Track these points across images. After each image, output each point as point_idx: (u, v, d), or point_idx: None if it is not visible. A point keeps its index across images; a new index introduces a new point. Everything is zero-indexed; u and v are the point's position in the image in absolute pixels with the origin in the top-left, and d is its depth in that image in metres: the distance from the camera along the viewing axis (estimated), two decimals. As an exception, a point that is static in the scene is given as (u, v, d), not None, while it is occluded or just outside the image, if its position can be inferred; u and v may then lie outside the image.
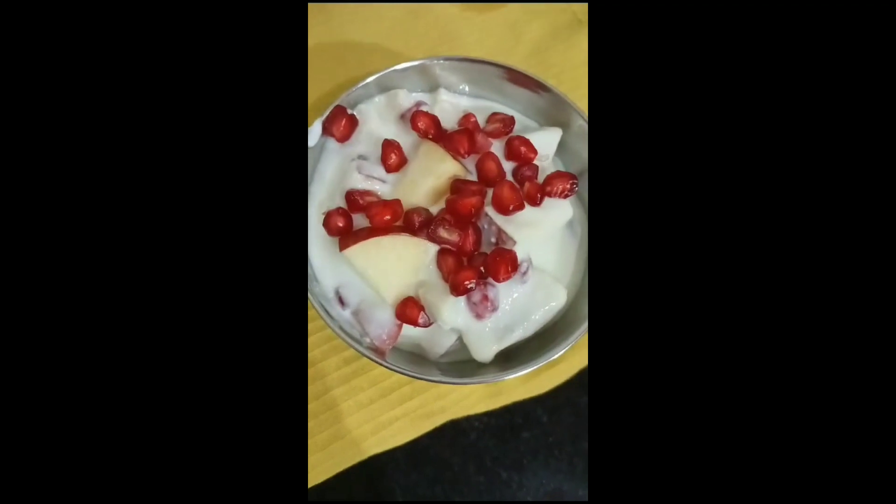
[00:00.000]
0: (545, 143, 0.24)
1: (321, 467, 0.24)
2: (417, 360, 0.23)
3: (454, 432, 0.26)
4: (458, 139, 0.23)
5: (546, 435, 0.27)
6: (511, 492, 0.26)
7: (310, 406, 0.24)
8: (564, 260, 0.24)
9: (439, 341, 0.23)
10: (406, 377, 0.25)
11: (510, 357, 0.23)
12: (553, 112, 0.25)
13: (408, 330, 0.23)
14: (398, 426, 0.25)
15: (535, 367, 0.21)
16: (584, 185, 0.25)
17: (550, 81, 0.24)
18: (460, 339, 0.23)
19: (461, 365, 0.23)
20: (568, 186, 0.23)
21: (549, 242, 0.23)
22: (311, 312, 0.25)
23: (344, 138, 0.23)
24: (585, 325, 0.22)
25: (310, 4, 0.30)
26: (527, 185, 0.23)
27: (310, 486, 0.24)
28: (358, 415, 0.24)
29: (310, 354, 0.25)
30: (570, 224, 0.24)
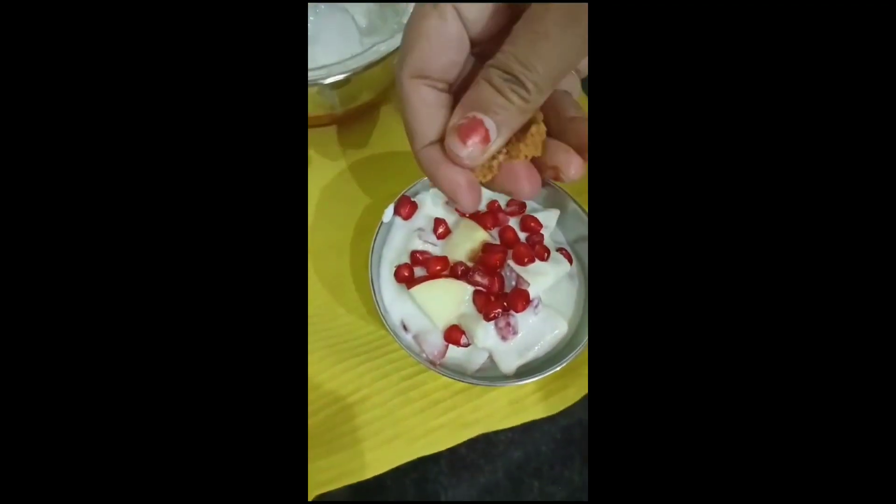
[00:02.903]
0: (548, 218, 0.34)
1: (384, 460, 0.30)
2: (459, 375, 0.31)
3: (485, 443, 0.33)
4: (486, 217, 0.33)
5: (559, 449, 0.33)
6: (532, 493, 0.32)
7: (374, 411, 0.31)
8: (566, 300, 0.32)
9: (475, 359, 0.31)
10: (449, 391, 0.32)
11: (528, 373, 0.30)
12: (553, 198, 0.35)
13: (452, 351, 0.31)
14: (442, 432, 0.31)
15: (547, 374, 0.29)
16: (580, 248, 0.34)
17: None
18: (490, 358, 0.31)
19: (491, 378, 0.30)
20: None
21: (554, 288, 0.32)
22: (381, 340, 0.34)
23: (408, 217, 0.34)
24: (581, 347, 0.29)
25: (373, 138, 0.42)
26: (537, 247, 0.32)
27: (370, 476, 0.30)
28: (412, 420, 0.31)
29: (376, 373, 0.32)
30: (569, 275, 0.33)
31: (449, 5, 0.18)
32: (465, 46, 0.20)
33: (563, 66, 0.18)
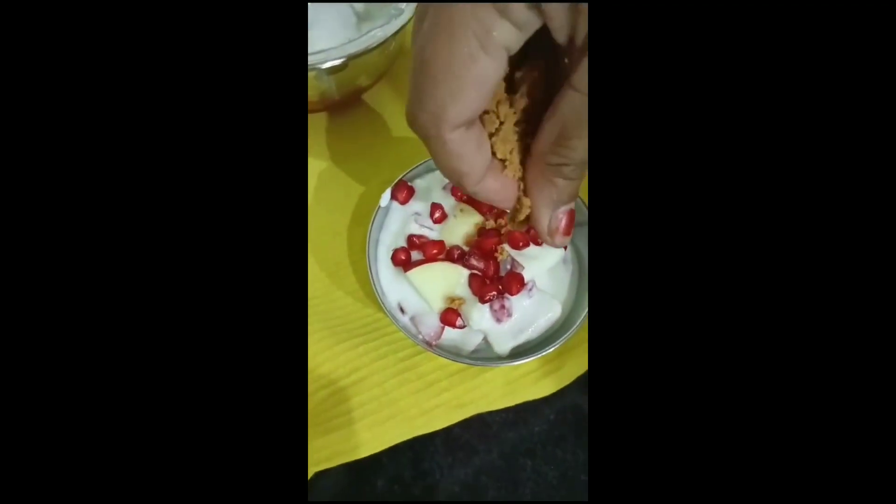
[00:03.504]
0: (543, 204, 0.34)
1: (380, 439, 0.31)
2: (455, 356, 0.31)
3: (480, 423, 0.33)
4: (482, 202, 0.33)
5: (552, 429, 0.34)
6: (526, 473, 0.32)
7: (371, 391, 0.32)
8: (560, 284, 0.33)
9: (470, 340, 0.31)
10: (445, 373, 0.33)
11: (522, 354, 0.31)
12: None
13: (448, 333, 0.31)
14: (438, 412, 0.32)
15: (541, 355, 0.29)
16: (575, 233, 0.35)
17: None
18: (485, 340, 0.31)
19: (486, 359, 0.31)
20: (560, 233, 0.33)
21: (548, 272, 0.32)
22: (378, 323, 0.34)
23: (405, 201, 0.34)
24: (575, 328, 0.30)
25: (370, 122, 0.42)
26: (531, 231, 0.33)
27: (367, 454, 0.31)
28: (408, 400, 0.32)
29: (373, 354, 0.33)
30: (563, 260, 0.33)
31: (501, 45, 0.16)
32: None
33: None
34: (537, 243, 0.32)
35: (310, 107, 0.41)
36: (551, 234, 0.21)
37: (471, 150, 0.18)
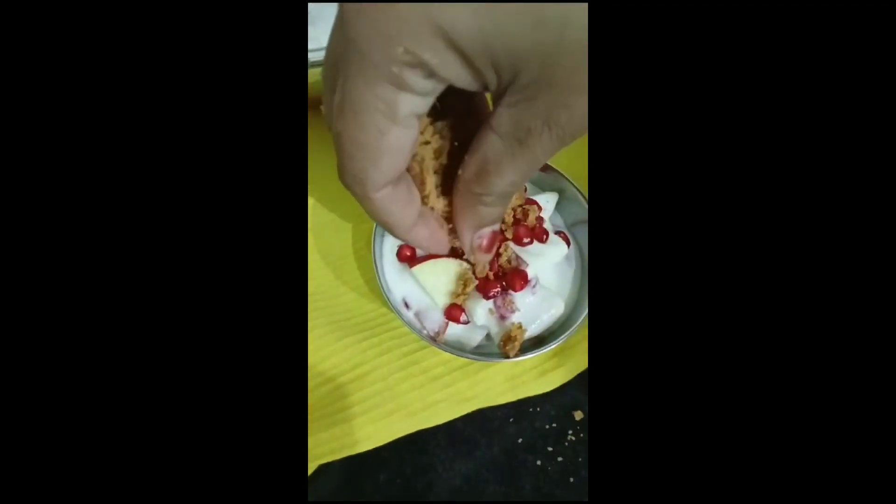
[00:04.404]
0: (547, 201, 0.34)
1: (382, 433, 0.31)
2: (459, 351, 0.32)
3: (482, 419, 0.34)
4: (487, 198, 0.34)
5: (554, 425, 0.34)
6: (527, 469, 0.33)
7: (375, 385, 0.32)
8: (563, 282, 0.33)
9: (473, 336, 0.31)
10: (448, 367, 0.33)
11: (525, 351, 0.31)
12: (553, 182, 0.36)
13: (452, 328, 0.31)
14: (441, 407, 0.32)
15: (543, 352, 0.30)
16: (578, 231, 0.35)
17: (552, 161, 0.35)
18: (488, 336, 0.32)
19: (489, 355, 0.31)
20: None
21: (551, 269, 0.33)
22: (383, 318, 0.34)
23: (410, 198, 0.34)
24: (577, 325, 0.30)
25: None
26: (536, 229, 0.33)
27: (370, 448, 0.31)
28: (411, 394, 0.32)
29: (377, 349, 0.33)
30: (567, 257, 0.34)
31: (408, 114, 0.16)
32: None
33: None
34: (541, 241, 0.33)
35: (315, 103, 0.41)
36: (473, 251, 0.22)
37: (398, 205, 0.19)
